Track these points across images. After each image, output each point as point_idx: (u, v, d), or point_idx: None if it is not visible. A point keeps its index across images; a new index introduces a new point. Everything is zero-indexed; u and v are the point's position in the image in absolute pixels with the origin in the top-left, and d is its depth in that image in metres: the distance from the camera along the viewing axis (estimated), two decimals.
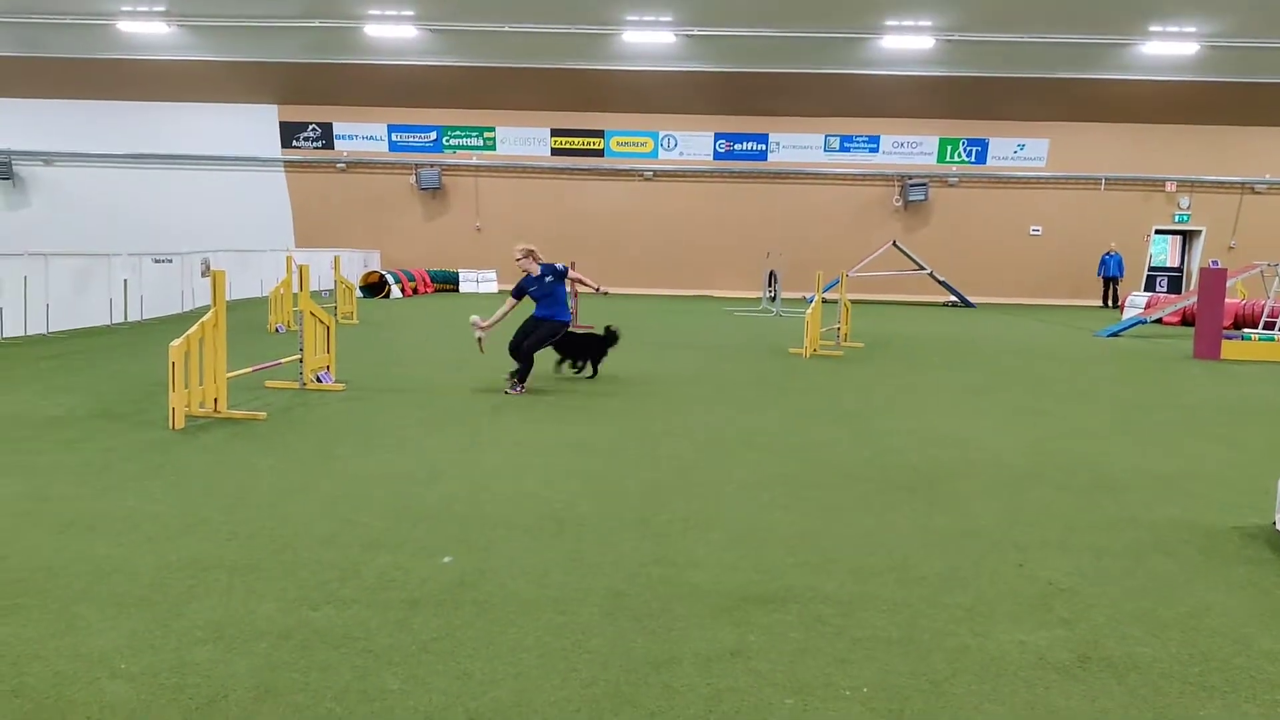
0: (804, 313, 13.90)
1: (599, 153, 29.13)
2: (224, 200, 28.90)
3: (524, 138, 29.07)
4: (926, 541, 5.03)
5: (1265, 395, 10.95)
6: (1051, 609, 4.11)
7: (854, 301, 18.57)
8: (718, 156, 29.07)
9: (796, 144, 28.81)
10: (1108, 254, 26.99)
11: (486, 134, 29.13)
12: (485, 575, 4.35)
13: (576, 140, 29.09)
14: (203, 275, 18.54)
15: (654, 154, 29.14)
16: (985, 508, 5.73)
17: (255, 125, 29.05)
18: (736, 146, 28.96)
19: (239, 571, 4.32)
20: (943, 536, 5.13)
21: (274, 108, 29.02)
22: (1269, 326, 16.38)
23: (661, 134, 29.01)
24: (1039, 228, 28.76)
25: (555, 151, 29.18)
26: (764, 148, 28.92)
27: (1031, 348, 15.82)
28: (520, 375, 9.57)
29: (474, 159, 29.20)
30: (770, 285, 22.38)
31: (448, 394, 9.52)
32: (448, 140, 29.22)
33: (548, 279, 9.74)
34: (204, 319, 7.74)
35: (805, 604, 4.11)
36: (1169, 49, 24.41)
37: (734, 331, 17.45)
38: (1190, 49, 24.36)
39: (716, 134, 28.93)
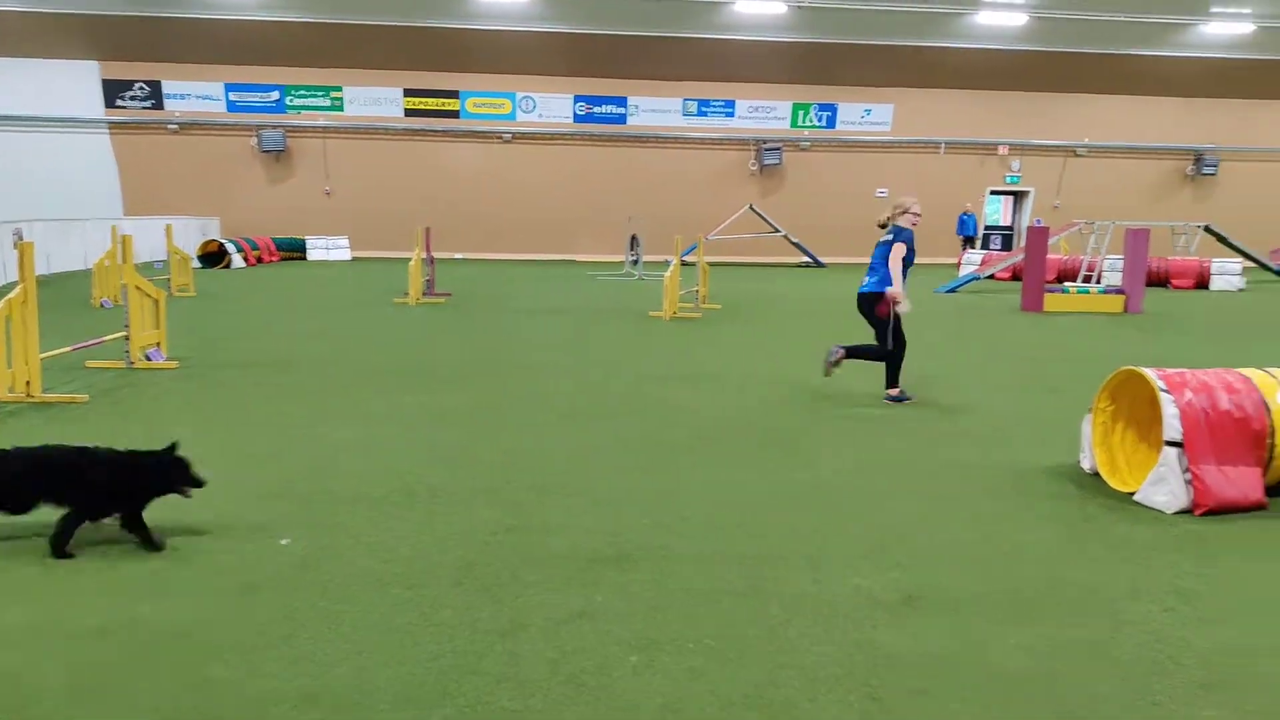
0: (665, 276, 14.04)
1: (454, 114, 28.44)
2: (41, 165, 26.73)
3: (374, 98, 28.06)
4: (777, 495, 5.20)
5: (1079, 343, 11.79)
6: (886, 553, 4.32)
7: (712, 264, 18.89)
8: (578, 119, 28.85)
9: (655, 107, 28.89)
10: (965, 214, 28.28)
11: (334, 94, 27.97)
12: (329, 554, 4.23)
13: (431, 101, 28.30)
14: (14, 247, 17.15)
15: (512, 115, 28.68)
16: (832, 460, 5.96)
17: (75, 83, 26.94)
18: (596, 109, 28.80)
19: (53, 566, 4.05)
20: (792, 489, 5.31)
21: (96, 64, 26.98)
22: (1086, 280, 17.60)
23: (520, 95, 28.55)
24: (885, 190, 29.86)
25: (409, 112, 28.31)
26: (624, 111, 28.88)
27: None
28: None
29: (321, 120, 28.00)
30: (632, 249, 22.48)
31: (295, 368, 9.17)
32: (291, 100, 27.89)
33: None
34: (11, 295, 7.16)
35: (657, 562, 4.18)
36: (1000, 18, 25.64)
37: (595, 296, 17.47)
38: (1020, 19, 25.64)
39: (576, 96, 28.68)
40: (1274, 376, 5.25)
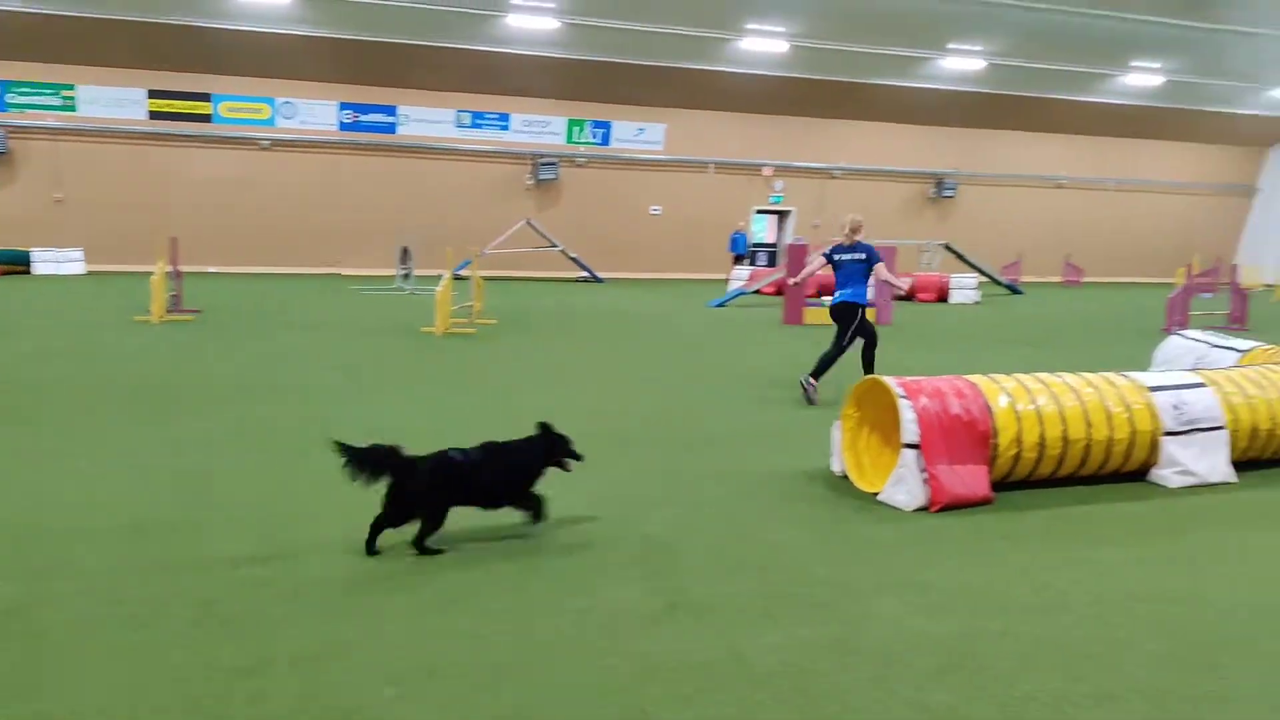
0: (436, 290, 13.68)
1: (206, 118, 26.53)
2: None
3: (114, 98, 25.67)
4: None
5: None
6: (648, 563, 4.37)
7: (489, 278, 18.67)
8: (343, 127, 27.71)
9: (427, 118, 28.25)
10: (737, 232, 29.50)
11: (65, 93, 25.33)
12: (43, 600, 3.77)
13: (179, 104, 26.26)
14: None
15: (271, 121, 27.12)
16: (596, 472, 5.95)
17: None
18: (363, 118, 27.79)
19: None
20: (555, 503, 5.25)
21: None
22: None
23: (279, 101, 27.06)
24: (659, 207, 30.73)
25: (155, 115, 26.13)
26: (393, 120, 28.04)
27: (651, 318, 16.91)
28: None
29: (50, 120, 25.31)
30: (403, 262, 21.82)
31: (7, 394, 8.17)
32: (13, 98, 25.01)
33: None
34: None
35: (415, 588, 4.02)
36: (763, 45, 27.06)
37: (364, 311, 16.82)
38: (782, 47, 27.18)
39: (342, 103, 27.54)
40: (997, 382, 5.78)
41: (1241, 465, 6.13)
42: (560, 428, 4.84)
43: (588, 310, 18.16)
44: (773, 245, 32.73)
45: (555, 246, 26.16)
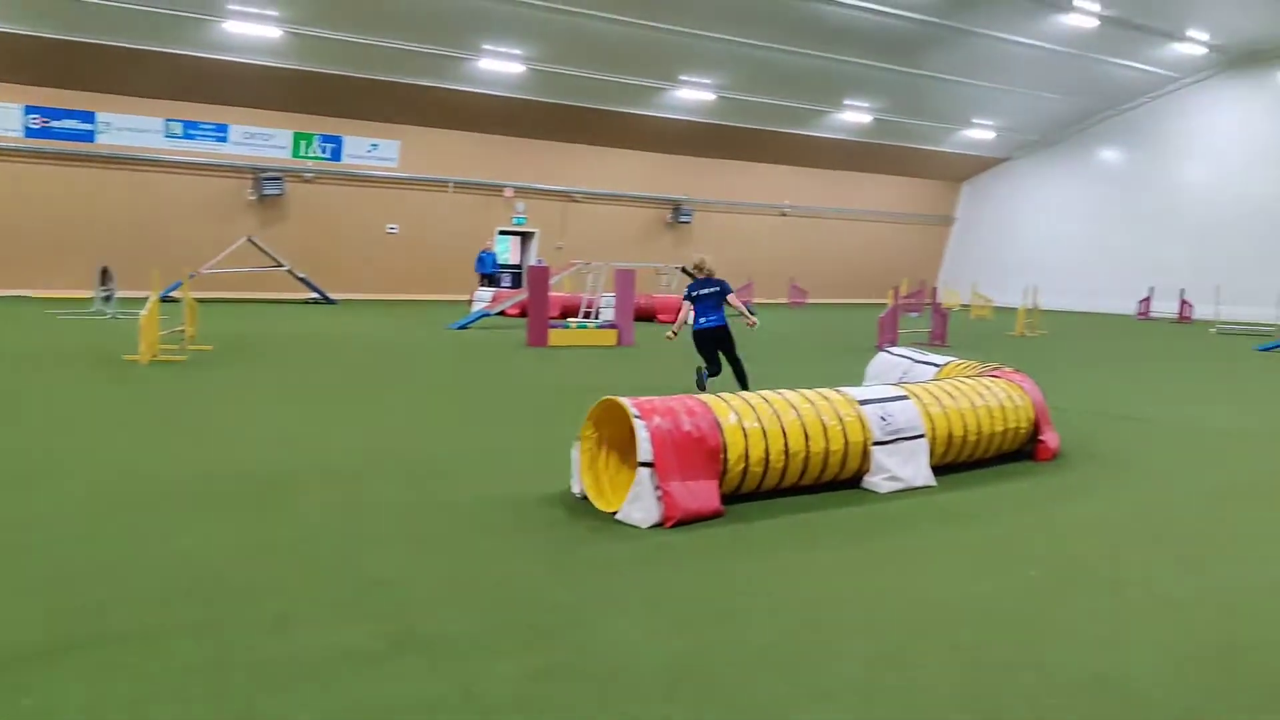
0: (141, 314, 12.37)
1: None
2: None
3: None
4: (248, 553, 4.71)
5: (576, 375, 12.63)
6: (370, 602, 4.08)
7: (207, 300, 17.24)
8: (30, 134, 24.65)
9: (131, 126, 25.72)
10: (485, 252, 29.03)
11: None
12: None
13: None
14: None
15: None
16: (317, 510, 5.56)
17: None
18: (55, 124, 24.87)
19: None
20: (266, 545, 4.84)
21: None
22: (586, 316, 19.11)
23: None
24: (395, 226, 29.83)
25: None
26: (91, 128, 25.30)
27: (386, 342, 16.29)
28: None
29: None
30: (104, 283, 19.64)
31: None
32: None
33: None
34: None
35: (94, 649, 3.53)
36: (500, 66, 27.03)
37: (56, 338, 14.98)
38: (518, 69, 27.26)
39: (28, 107, 24.50)
40: (725, 400, 5.99)
41: (940, 469, 6.72)
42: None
43: (316, 333, 17.22)
44: (516, 267, 32.71)
45: (281, 266, 24.69)
